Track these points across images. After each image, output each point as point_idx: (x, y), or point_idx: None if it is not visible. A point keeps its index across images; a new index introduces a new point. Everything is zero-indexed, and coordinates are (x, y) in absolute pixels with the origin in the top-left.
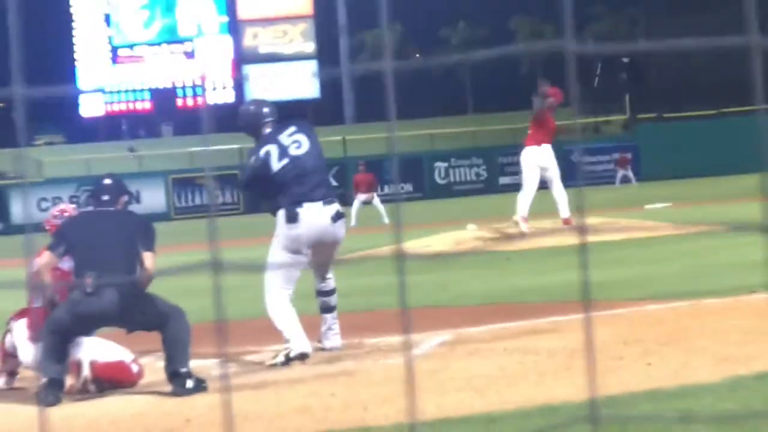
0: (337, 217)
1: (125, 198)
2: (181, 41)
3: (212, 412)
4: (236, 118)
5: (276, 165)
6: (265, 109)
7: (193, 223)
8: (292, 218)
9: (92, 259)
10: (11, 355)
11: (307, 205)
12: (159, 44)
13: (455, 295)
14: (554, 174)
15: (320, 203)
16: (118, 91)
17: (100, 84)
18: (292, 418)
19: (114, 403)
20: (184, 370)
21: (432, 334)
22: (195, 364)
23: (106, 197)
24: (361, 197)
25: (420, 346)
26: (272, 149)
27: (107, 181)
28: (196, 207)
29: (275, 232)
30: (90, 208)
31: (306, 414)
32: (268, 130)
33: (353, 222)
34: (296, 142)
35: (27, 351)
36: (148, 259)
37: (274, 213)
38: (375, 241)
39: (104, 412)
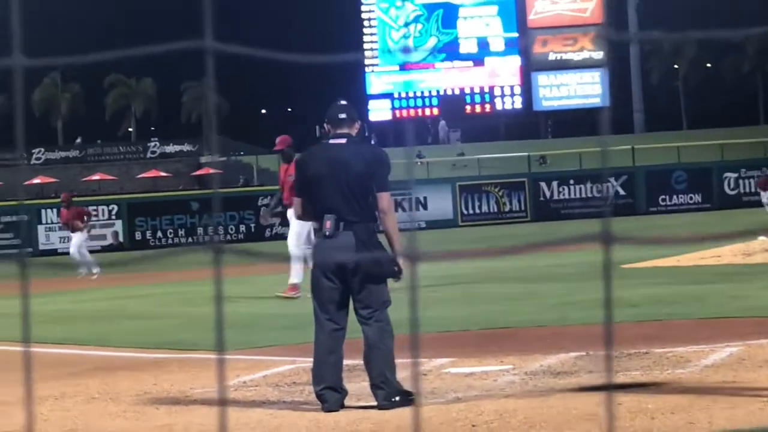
0: None
1: (359, 123)
2: (466, 56)
3: (501, 418)
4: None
5: None
6: None
7: (479, 230)
8: None
9: (329, 197)
10: None
11: None
12: (447, 57)
13: (746, 307)
14: None
15: None
16: (407, 97)
17: (388, 89)
18: (578, 424)
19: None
20: (389, 381)
21: (722, 345)
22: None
23: (342, 115)
24: None
25: (709, 357)
26: None
27: (342, 101)
28: (482, 214)
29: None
30: (327, 140)
31: (591, 421)
32: None
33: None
34: None
35: None
36: (383, 200)
37: None
38: (664, 252)
39: (387, 418)
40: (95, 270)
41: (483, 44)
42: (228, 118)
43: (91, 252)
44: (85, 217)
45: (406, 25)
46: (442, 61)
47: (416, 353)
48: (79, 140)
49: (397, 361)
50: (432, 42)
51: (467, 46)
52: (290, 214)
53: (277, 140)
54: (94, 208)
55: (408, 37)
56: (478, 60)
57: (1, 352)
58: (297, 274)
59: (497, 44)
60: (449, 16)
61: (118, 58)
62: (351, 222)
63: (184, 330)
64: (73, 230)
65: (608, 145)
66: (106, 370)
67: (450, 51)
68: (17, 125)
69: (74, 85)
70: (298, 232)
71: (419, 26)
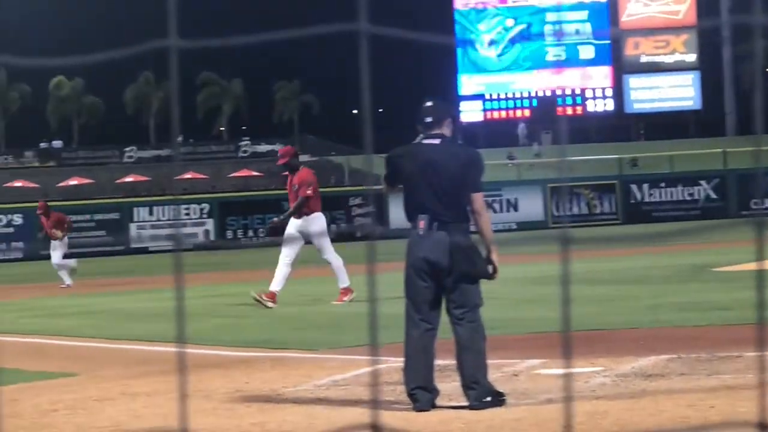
0: None
1: (449, 120)
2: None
3: (591, 419)
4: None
5: None
6: None
7: (570, 233)
8: None
9: (422, 197)
10: None
11: None
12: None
13: None
14: None
15: None
16: (498, 99)
17: (479, 90)
18: (669, 427)
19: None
20: (480, 382)
21: None
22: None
23: (429, 119)
24: None
25: None
26: None
27: (428, 103)
28: (573, 216)
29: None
30: (419, 140)
31: (683, 423)
32: None
33: None
34: None
35: None
36: (476, 200)
37: None
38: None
39: (479, 418)
40: (67, 280)
41: (574, 47)
42: (319, 118)
43: (175, 251)
44: (66, 225)
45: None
46: (533, 65)
47: (568, 352)
48: (181, 138)
49: (489, 361)
50: (524, 46)
51: (558, 50)
52: (299, 223)
53: (280, 152)
54: (186, 206)
55: (557, 24)
56: (570, 62)
57: (94, 348)
58: (280, 281)
59: (588, 47)
60: (540, 21)
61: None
62: (444, 222)
63: (274, 329)
64: (53, 238)
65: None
66: (198, 368)
67: (541, 55)
68: (172, 112)
69: (167, 83)
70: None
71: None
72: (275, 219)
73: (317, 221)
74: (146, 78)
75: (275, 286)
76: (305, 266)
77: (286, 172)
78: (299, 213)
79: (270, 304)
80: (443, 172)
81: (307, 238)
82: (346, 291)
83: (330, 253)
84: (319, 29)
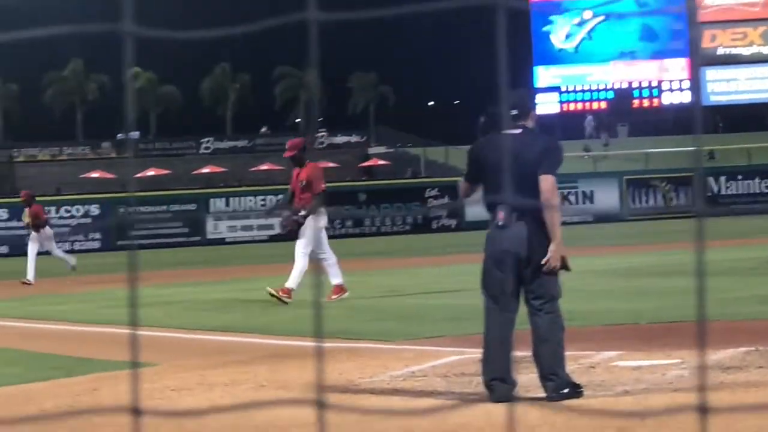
0: None
1: (533, 113)
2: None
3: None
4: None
5: None
6: None
7: (646, 225)
8: None
9: (501, 188)
10: None
11: None
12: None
13: None
14: None
15: None
16: (574, 91)
17: (555, 83)
18: (749, 420)
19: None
20: (558, 373)
21: None
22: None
23: (514, 111)
24: None
25: None
26: None
27: (514, 93)
28: (649, 209)
29: None
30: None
31: (763, 417)
32: None
33: None
34: None
35: None
36: (546, 181)
37: None
38: None
39: (562, 407)
40: (30, 276)
41: (651, 38)
42: (395, 109)
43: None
44: (41, 220)
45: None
46: (610, 57)
47: (702, 341)
48: (264, 129)
49: (566, 353)
50: (601, 38)
51: (635, 42)
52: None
53: (288, 145)
54: (262, 198)
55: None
56: (646, 55)
57: (172, 338)
58: (295, 279)
59: (665, 39)
60: (617, 13)
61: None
62: (524, 213)
63: (350, 319)
64: (36, 229)
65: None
66: (274, 358)
67: (617, 47)
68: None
69: (244, 75)
70: (308, 236)
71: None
72: (293, 218)
73: (317, 217)
74: (223, 69)
75: (291, 282)
76: (380, 257)
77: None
78: (300, 207)
79: (287, 300)
80: (522, 163)
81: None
82: (340, 288)
83: (327, 250)
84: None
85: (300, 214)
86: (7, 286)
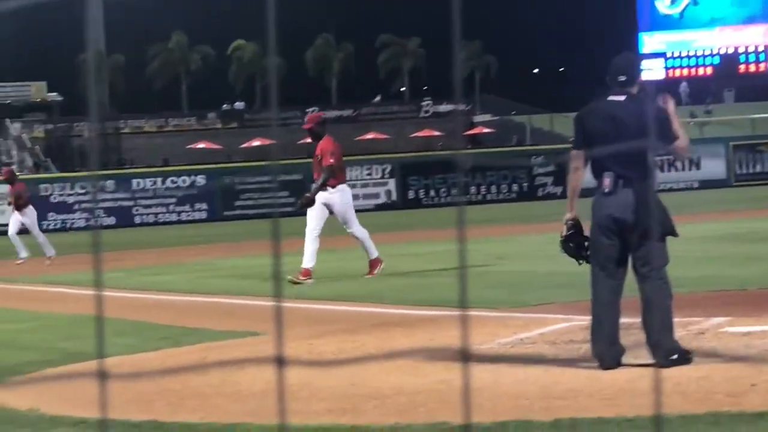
0: None
1: (641, 79)
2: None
3: None
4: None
5: None
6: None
7: (753, 191)
8: None
9: (608, 155)
10: None
11: None
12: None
13: None
14: None
15: None
16: (680, 57)
17: (660, 49)
18: None
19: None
20: (666, 340)
21: None
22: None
23: (622, 78)
24: None
25: None
26: None
27: (622, 60)
28: (756, 174)
29: None
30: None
31: None
32: None
33: None
34: None
35: None
36: (680, 141)
37: None
38: None
39: (665, 376)
40: (23, 255)
41: (757, 1)
42: (499, 77)
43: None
44: (22, 200)
45: None
46: (715, 23)
47: None
48: (378, 99)
49: (675, 319)
50: (706, 2)
51: (740, 6)
52: (325, 195)
53: (307, 118)
54: (368, 166)
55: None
56: (753, 20)
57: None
58: (311, 257)
59: None
60: None
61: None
62: (630, 179)
63: (456, 288)
64: (18, 208)
65: None
66: (382, 327)
67: (723, 12)
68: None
69: (348, 44)
70: (342, 211)
71: None
72: (307, 194)
73: (341, 194)
74: (325, 39)
75: (307, 263)
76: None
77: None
78: (324, 185)
79: (308, 281)
80: (627, 129)
81: (330, 210)
82: (376, 262)
83: (355, 225)
84: None
85: (312, 190)
86: (114, 258)
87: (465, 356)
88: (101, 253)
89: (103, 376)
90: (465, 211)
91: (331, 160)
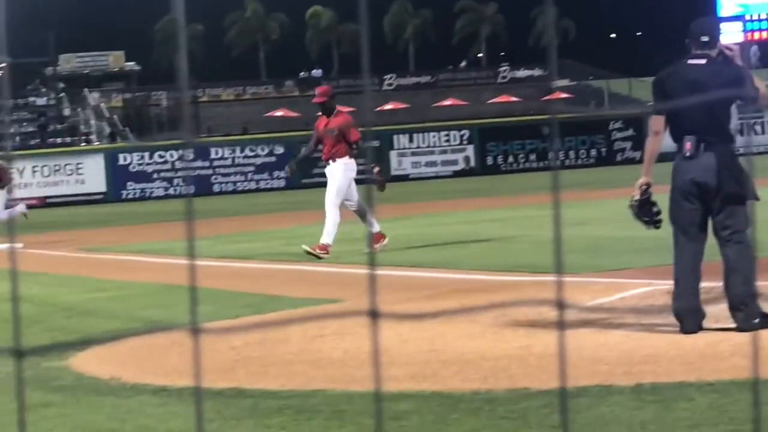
0: None
1: (720, 42)
2: None
3: None
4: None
5: None
6: None
7: None
8: None
9: (688, 118)
10: None
11: None
12: None
13: None
14: None
15: None
16: (759, 19)
17: (739, 11)
18: None
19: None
20: (748, 303)
21: None
22: None
23: (705, 38)
24: None
25: None
26: None
27: (705, 21)
28: None
29: None
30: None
31: None
32: None
33: None
34: None
35: None
36: (761, 89)
37: None
38: None
39: (746, 340)
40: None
41: None
42: (576, 41)
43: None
44: (5, 179)
45: None
46: None
47: None
48: (464, 63)
49: (757, 283)
50: None
51: None
52: (330, 169)
53: (317, 91)
54: (446, 133)
55: None
56: None
57: (358, 275)
58: (330, 234)
59: None
60: None
61: None
62: (711, 143)
63: (536, 253)
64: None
65: None
66: (462, 293)
67: None
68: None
69: (425, 11)
70: (339, 187)
71: None
72: (292, 162)
73: (346, 166)
74: (402, 5)
75: (326, 238)
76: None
77: (319, 113)
78: (329, 157)
79: (323, 255)
80: (708, 93)
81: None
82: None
83: (336, 204)
84: None
85: (375, 171)
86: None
87: (561, 324)
88: (193, 221)
89: (196, 331)
90: (558, 175)
91: (359, 135)
